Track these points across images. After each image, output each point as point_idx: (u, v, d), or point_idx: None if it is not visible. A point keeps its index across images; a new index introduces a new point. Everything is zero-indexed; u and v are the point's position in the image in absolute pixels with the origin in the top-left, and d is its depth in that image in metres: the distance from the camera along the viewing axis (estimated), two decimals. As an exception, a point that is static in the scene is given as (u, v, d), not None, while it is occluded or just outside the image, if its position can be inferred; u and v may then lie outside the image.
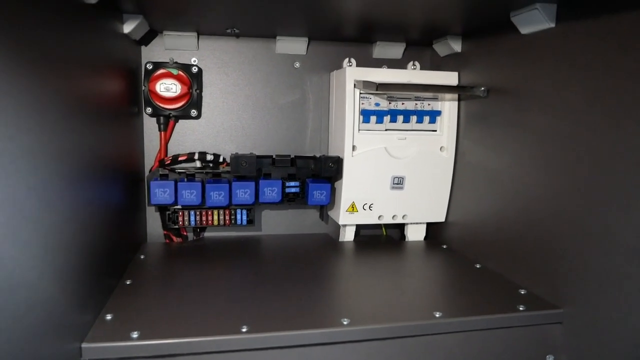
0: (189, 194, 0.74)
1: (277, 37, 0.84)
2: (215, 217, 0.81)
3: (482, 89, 0.71)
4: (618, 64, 0.51)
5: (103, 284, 0.57)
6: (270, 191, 0.77)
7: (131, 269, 0.68)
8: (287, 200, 0.81)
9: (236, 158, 0.74)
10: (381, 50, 0.88)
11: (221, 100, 0.86)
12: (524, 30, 0.63)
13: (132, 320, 0.51)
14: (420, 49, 0.91)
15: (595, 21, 0.54)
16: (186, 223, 0.80)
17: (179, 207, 0.80)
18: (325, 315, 0.55)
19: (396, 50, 0.89)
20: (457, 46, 0.80)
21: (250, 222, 0.82)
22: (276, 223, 0.91)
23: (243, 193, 0.76)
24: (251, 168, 0.74)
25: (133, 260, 0.72)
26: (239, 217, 0.81)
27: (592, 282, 0.54)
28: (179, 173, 0.78)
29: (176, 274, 0.67)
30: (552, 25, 0.59)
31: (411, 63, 0.86)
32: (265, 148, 0.88)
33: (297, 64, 0.88)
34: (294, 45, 0.85)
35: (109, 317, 0.52)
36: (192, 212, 0.80)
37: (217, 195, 0.75)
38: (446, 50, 0.83)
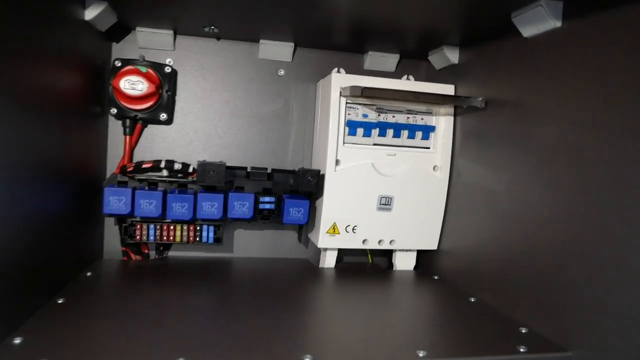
0: (148, 204, 0.66)
1: (261, 41, 0.77)
2: (178, 233, 0.72)
3: (480, 99, 0.64)
4: (636, 66, 0.43)
5: (22, 300, 0.47)
6: (241, 205, 0.69)
7: (70, 287, 0.59)
8: (261, 217, 0.72)
9: (203, 165, 0.66)
10: (373, 61, 0.82)
11: (196, 105, 0.79)
12: (527, 32, 0.56)
13: (45, 346, 0.41)
14: (414, 62, 0.84)
15: (607, 18, 0.47)
16: (144, 238, 0.71)
17: (138, 219, 0.71)
18: (285, 350, 0.45)
19: (389, 62, 0.82)
20: (453, 57, 0.74)
21: (217, 240, 0.73)
22: (249, 244, 0.82)
23: (210, 206, 0.67)
24: (219, 177, 0.66)
25: (77, 278, 0.63)
26: (204, 234, 0.72)
27: (607, 320, 0.45)
28: (140, 181, 0.69)
29: (121, 295, 0.58)
30: (558, 24, 0.52)
31: (405, 77, 0.79)
32: (242, 160, 0.80)
33: (282, 72, 0.81)
34: (278, 51, 0.79)
35: (17, 341, 0.42)
36: (151, 226, 0.71)
37: (179, 207, 0.67)
38: (442, 62, 0.77)
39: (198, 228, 0.72)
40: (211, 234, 0.73)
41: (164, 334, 0.46)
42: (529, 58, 0.58)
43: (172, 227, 0.71)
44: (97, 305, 0.54)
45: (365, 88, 0.61)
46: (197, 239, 0.72)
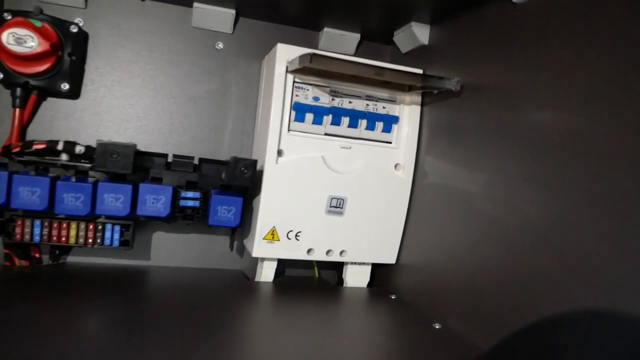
0: (30, 194, 0.51)
1: (194, 4, 0.64)
2: (73, 233, 0.56)
3: (455, 80, 0.53)
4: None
5: None
6: (155, 200, 0.54)
7: None
8: (183, 217, 0.58)
9: (104, 146, 0.51)
10: (329, 40, 0.70)
11: (111, 78, 0.64)
12: (517, -5, 0.46)
13: None
14: (377, 46, 0.73)
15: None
16: (27, 237, 0.55)
17: (20, 212, 0.55)
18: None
19: (348, 42, 0.71)
20: (423, 36, 0.63)
21: (124, 243, 0.58)
22: (170, 250, 0.67)
23: (113, 199, 0.53)
24: (126, 163, 0.52)
25: None
26: (108, 234, 0.57)
27: (618, 363, 0.33)
28: (25, 164, 0.54)
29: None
30: (559, -17, 0.42)
31: (366, 61, 0.67)
32: (166, 148, 0.66)
33: (220, 45, 0.68)
34: (216, 19, 0.65)
35: None
36: (37, 222, 0.55)
37: (72, 199, 0.52)
38: (410, 44, 0.66)
39: (100, 227, 0.57)
40: (116, 236, 0.58)
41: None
42: (517, 29, 0.47)
43: (64, 225, 0.56)
44: None
45: (314, 55, 0.48)
46: (99, 240, 0.57)
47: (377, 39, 0.71)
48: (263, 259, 0.63)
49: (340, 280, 0.68)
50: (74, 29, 0.59)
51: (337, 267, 0.72)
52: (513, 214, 0.45)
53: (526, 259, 0.42)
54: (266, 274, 0.64)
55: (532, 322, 0.41)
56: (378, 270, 0.68)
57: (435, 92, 0.57)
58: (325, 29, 0.69)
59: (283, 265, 0.69)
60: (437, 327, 0.52)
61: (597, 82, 0.37)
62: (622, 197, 0.34)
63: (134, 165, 0.53)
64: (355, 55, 0.72)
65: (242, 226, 0.61)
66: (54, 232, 0.56)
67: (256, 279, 0.64)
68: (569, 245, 0.38)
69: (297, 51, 0.57)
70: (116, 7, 0.63)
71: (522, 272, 0.43)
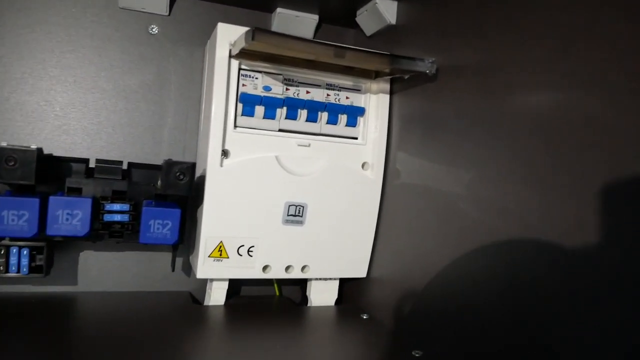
0: None
1: (121, -19, 0.54)
2: (-32, 260, 0.46)
3: (430, 60, 0.44)
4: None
5: None
6: (69, 216, 0.44)
7: None
8: (111, 234, 0.48)
9: (-4, 151, 0.41)
10: (283, 23, 0.61)
11: (21, 70, 0.53)
12: (502, -45, 0.38)
13: None
14: (338, 30, 0.65)
15: None
16: None
17: None
18: None
19: (305, 25, 0.62)
20: (390, 14, 0.54)
21: (36, 270, 0.48)
22: (101, 273, 0.57)
23: (15, 217, 0.42)
24: (26, 171, 0.41)
25: None
26: (13, 260, 0.47)
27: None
28: None
29: None
30: None
31: (326, 46, 0.58)
32: (92, 151, 0.56)
33: (155, 29, 0.58)
34: (148, -2, 0.56)
35: None
36: None
37: (-41, 219, 0.41)
38: (375, 24, 0.57)
39: (2, 252, 0.46)
40: (25, 261, 0.47)
41: None
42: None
43: (-45, 251, 0.45)
44: None
45: (257, 30, 0.39)
46: (2, 268, 0.47)
47: (338, 21, 0.63)
48: (212, 280, 0.53)
49: (305, 299, 0.59)
50: (-33, 9, 0.48)
51: (301, 283, 0.63)
52: (506, 218, 0.37)
53: (523, 273, 0.34)
54: (216, 296, 0.54)
55: (530, 347, 0.33)
56: (347, 285, 0.59)
57: (407, 77, 0.49)
58: (279, 10, 0.60)
59: (237, 283, 0.60)
60: (417, 355, 0.44)
61: (614, 55, 0.30)
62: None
63: (42, 174, 0.43)
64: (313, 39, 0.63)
65: (185, 241, 0.52)
66: (-57, 260, 0.45)
67: (205, 303, 0.55)
68: (580, 258, 0.30)
69: (242, 31, 0.48)
70: (24, -16, 0.53)
71: (517, 290, 0.35)
